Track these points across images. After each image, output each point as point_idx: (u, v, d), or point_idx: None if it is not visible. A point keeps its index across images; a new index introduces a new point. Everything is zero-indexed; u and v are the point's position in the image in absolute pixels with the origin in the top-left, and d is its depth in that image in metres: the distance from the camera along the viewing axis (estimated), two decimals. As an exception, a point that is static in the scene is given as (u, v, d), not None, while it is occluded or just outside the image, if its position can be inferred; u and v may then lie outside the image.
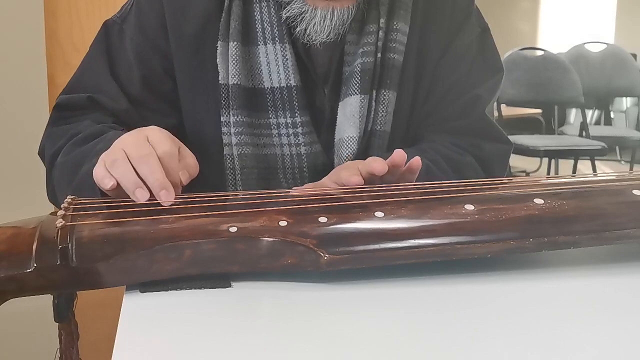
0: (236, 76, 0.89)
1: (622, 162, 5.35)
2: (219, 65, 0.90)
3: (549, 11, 6.56)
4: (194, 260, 0.63)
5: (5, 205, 1.49)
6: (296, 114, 0.90)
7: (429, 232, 0.66)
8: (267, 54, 0.90)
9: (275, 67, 0.90)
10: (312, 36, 0.88)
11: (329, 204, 0.68)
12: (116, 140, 0.74)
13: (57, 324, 0.66)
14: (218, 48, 0.90)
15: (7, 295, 0.61)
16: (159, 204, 0.68)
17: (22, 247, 0.62)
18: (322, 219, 0.66)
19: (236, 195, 0.80)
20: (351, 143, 0.90)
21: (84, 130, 0.87)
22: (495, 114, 3.61)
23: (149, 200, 0.69)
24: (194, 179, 0.75)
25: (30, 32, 1.54)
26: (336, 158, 0.91)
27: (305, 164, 0.91)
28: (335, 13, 0.87)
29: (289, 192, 0.74)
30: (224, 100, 0.90)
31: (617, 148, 5.31)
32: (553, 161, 3.85)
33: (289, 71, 0.90)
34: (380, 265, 0.65)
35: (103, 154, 0.73)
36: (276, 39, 0.90)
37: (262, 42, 0.91)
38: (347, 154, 0.90)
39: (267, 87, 0.91)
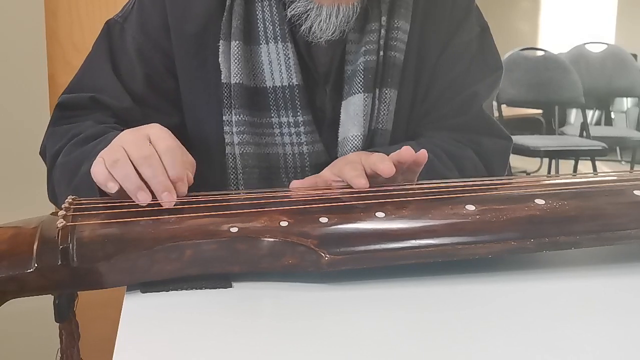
0: (238, 75, 0.89)
1: (623, 163, 5.35)
2: (221, 65, 0.90)
3: (549, 11, 6.56)
4: (194, 260, 0.63)
5: (5, 205, 1.49)
6: (298, 113, 0.91)
7: (430, 232, 0.66)
8: (269, 53, 0.90)
9: (277, 66, 0.90)
10: (317, 34, 0.88)
11: (329, 205, 0.68)
12: (116, 138, 0.74)
13: (58, 324, 0.66)
14: (220, 47, 0.90)
15: (7, 296, 0.61)
16: (159, 204, 0.68)
17: (22, 247, 0.62)
18: (323, 219, 0.66)
19: (237, 195, 0.80)
20: (356, 142, 0.90)
21: (85, 131, 0.87)
22: (496, 114, 3.61)
23: (150, 201, 0.69)
24: (195, 179, 0.75)
25: (31, 32, 1.54)
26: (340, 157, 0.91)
27: (307, 163, 0.91)
28: (341, 10, 0.87)
29: (289, 191, 0.74)
30: (225, 100, 0.90)
31: (618, 148, 5.31)
32: (553, 161, 3.85)
33: (290, 70, 0.90)
34: (381, 265, 0.65)
35: (102, 152, 0.73)
36: (278, 38, 0.90)
37: (264, 41, 0.91)
38: (351, 152, 0.90)
39: (269, 86, 0.91)
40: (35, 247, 0.61)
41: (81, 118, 0.91)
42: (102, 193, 0.74)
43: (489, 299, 0.63)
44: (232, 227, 0.64)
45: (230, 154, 0.91)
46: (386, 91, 0.92)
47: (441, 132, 0.96)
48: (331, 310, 0.60)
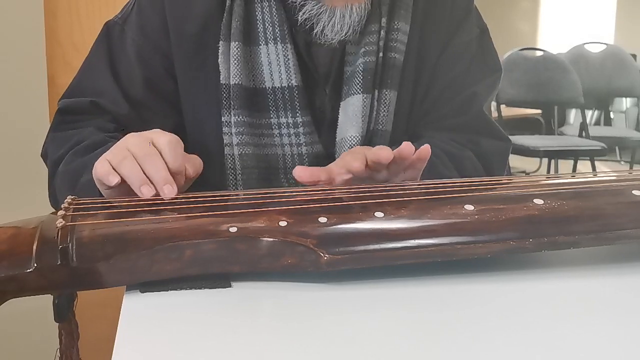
0: (237, 76, 0.89)
1: (622, 163, 5.35)
2: (220, 65, 0.90)
3: (548, 11, 6.56)
4: (194, 260, 0.63)
5: (5, 205, 1.49)
6: (297, 114, 0.91)
7: (429, 232, 0.66)
8: (268, 54, 0.91)
9: (277, 67, 0.90)
10: (329, 36, 0.88)
11: (329, 204, 0.68)
12: (120, 141, 0.75)
13: (57, 324, 0.66)
14: (220, 48, 0.90)
15: (7, 295, 0.61)
16: (159, 204, 0.68)
17: (22, 247, 0.62)
18: (322, 219, 0.66)
19: (236, 195, 0.80)
20: (354, 142, 0.90)
21: (86, 139, 0.87)
22: (495, 114, 3.61)
23: (150, 199, 0.69)
24: (196, 179, 0.76)
25: (31, 33, 1.54)
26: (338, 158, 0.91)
27: (307, 163, 0.91)
28: (354, 10, 0.88)
29: (288, 191, 0.74)
30: (225, 100, 0.90)
31: (617, 148, 5.31)
32: (553, 161, 3.85)
33: (290, 71, 0.90)
34: (380, 265, 0.65)
35: (106, 154, 0.74)
36: (278, 38, 0.90)
37: (263, 42, 0.91)
38: None
39: (269, 87, 0.91)
40: (34, 247, 0.61)
41: (82, 123, 0.91)
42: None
43: (488, 298, 0.63)
44: (232, 227, 0.64)
45: (230, 154, 0.91)
46: (386, 92, 0.92)
47: (441, 133, 0.96)
48: (330, 310, 0.60)
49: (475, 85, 0.99)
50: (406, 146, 0.75)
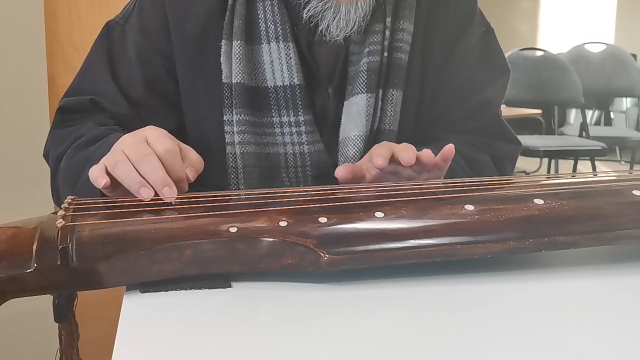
0: (239, 75, 0.89)
1: (622, 163, 5.35)
2: (222, 64, 0.90)
3: (549, 11, 6.56)
4: (194, 260, 0.63)
5: (5, 205, 1.49)
6: (299, 113, 0.91)
7: (429, 232, 0.66)
8: (270, 53, 0.91)
9: (279, 66, 0.90)
10: (334, 32, 0.88)
11: (329, 204, 0.68)
12: (115, 143, 0.75)
13: (57, 324, 0.66)
14: (222, 47, 0.90)
15: (7, 296, 0.61)
16: (159, 204, 0.68)
17: (22, 247, 0.62)
18: (322, 219, 0.66)
19: (236, 195, 0.80)
20: (357, 142, 0.91)
21: (86, 133, 0.87)
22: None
23: (151, 199, 0.69)
24: (197, 177, 0.76)
25: (31, 33, 1.54)
26: (341, 157, 0.92)
27: (308, 162, 0.92)
28: (360, 5, 0.88)
29: (289, 191, 0.74)
30: (226, 99, 0.90)
31: (617, 148, 5.31)
32: (553, 161, 3.85)
33: (292, 70, 0.90)
34: (380, 265, 0.65)
35: (104, 157, 0.74)
36: (279, 37, 0.90)
37: (265, 41, 0.91)
38: (353, 152, 0.90)
39: (270, 86, 0.91)
40: (34, 247, 0.61)
41: (82, 121, 0.91)
42: (105, 197, 0.74)
43: (488, 298, 0.63)
44: (232, 227, 0.64)
45: (231, 153, 0.91)
46: (392, 92, 0.93)
47: (457, 135, 0.97)
48: (330, 310, 0.60)
49: (486, 90, 1.00)
50: (426, 154, 0.77)
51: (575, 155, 3.97)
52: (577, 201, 0.70)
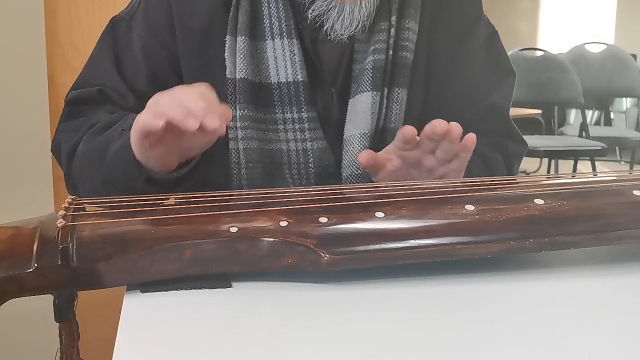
0: (243, 71, 0.90)
1: (622, 163, 5.35)
2: (226, 60, 0.90)
3: (548, 12, 6.56)
4: (194, 260, 0.63)
5: (5, 205, 1.49)
6: (303, 110, 0.91)
7: (429, 232, 0.66)
8: (274, 49, 0.91)
9: (283, 62, 0.91)
10: (339, 32, 0.89)
11: (329, 204, 0.68)
12: (150, 99, 0.74)
13: (58, 324, 0.66)
14: (227, 42, 0.91)
15: (7, 296, 0.61)
16: (160, 204, 0.68)
17: (22, 247, 0.62)
18: (323, 219, 0.66)
19: (237, 195, 0.80)
20: (363, 139, 0.91)
21: (101, 119, 0.88)
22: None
23: (151, 197, 0.69)
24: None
25: (31, 33, 1.54)
26: (346, 154, 0.92)
27: (311, 159, 0.92)
28: (364, 4, 0.88)
29: (289, 191, 0.74)
30: (230, 95, 0.91)
31: (617, 148, 5.31)
32: (553, 161, 3.85)
33: (296, 66, 0.90)
34: (381, 265, 0.65)
35: (143, 111, 0.74)
36: (284, 34, 0.91)
37: (269, 37, 0.91)
38: (358, 150, 0.91)
39: (274, 82, 0.91)
40: (35, 247, 0.61)
41: (91, 111, 0.92)
42: (139, 168, 0.75)
43: (488, 299, 0.63)
44: (232, 227, 0.64)
45: (234, 149, 0.91)
46: (398, 91, 0.93)
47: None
48: (331, 310, 0.60)
49: (493, 93, 1.00)
50: (456, 125, 0.77)
51: (575, 155, 3.96)
52: (577, 201, 0.70)
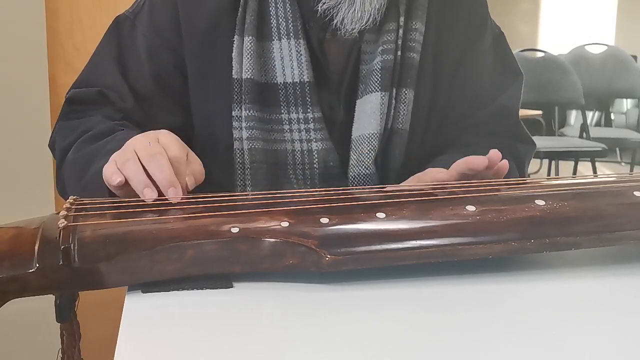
0: (250, 71, 0.90)
1: (623, 164, 5.35)
2: (233, 60, 0.90)
3: (549, 13, 6.56)
4: (195, 260, 0.63)
5: (6, 205, 1.49)
6: (308, 110, 0.91)
7: (431, 233, 0.66)
8: (281, 49, 0.91)
9: (289, 63, 0.91)
10: (349, 26, 0.89)
11: (330, 205, 0.68)
12: (128, 141, 0.75)
13: (59, 324, 0.66)
14: (234, 42, 0.91)
15: (9, 296, 0.61)
16: (161, 204, 0.68)
17: (24, 247, 0.62)
18: (324, 220, 0.66)
19: (238, 196, 0.80)
20: (372, 140, 0.91)
21: (94, 127, 0.88)
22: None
23: (154, 200, 0.69)
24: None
25: (32, 33, 1.54)
26: (354, 155, 0.92)
27: (316, 160, 0.92)
28: None
29: (290, 192, 0.74)
30: (236, 95, 0.91)
31: (618, 149, 5.31)
32: (553, 162, 3.85)
33: (302, 67, 0.90)
34: (382, 266, 0.65)
35: (114, 154, 0.75)
36: (291, 34, 0.91)
37: (276, 37, 0.91)
38: (367, 150, 0.91)
39: (280, 83, 0.91)
40: (36, 247, 0.61)
41: (90, 112, 0.92)
42: (112, 193, 0.75)
43: (489, 299, 0.63)
44: (233, 227, 0.64)
45: (239, 149, 0.91)
46: (405, 91, 0.93)
47: (479, 138, 0.97)
48: (332, 310, 0.60)
49: (503, 95, 1.01)
50: (494, 153, 0.78)
51: (575, 156, 3.97)
52: (578, 202, 0.70)
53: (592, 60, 4.31)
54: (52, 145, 0.95)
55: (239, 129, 0.91)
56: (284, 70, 0.91)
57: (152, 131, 0.77)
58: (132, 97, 0.93)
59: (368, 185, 0.91)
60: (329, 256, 0.64)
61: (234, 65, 0.90)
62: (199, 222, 0.65)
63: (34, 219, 0.68)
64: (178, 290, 0.63)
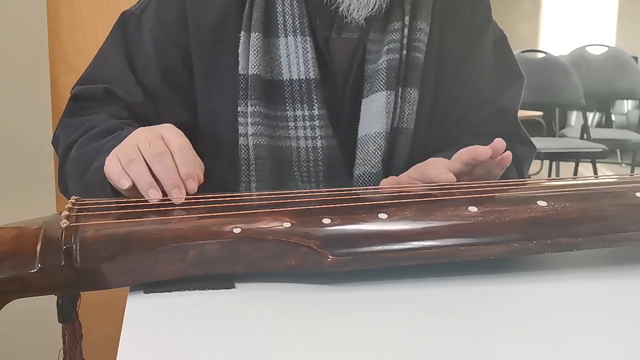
0: (256, 67, 0.90)
1: (623, 165, 5.35)
2: (240, 56, 0.91)
3: (550, 14, 6.56)
4: (198, 261, 0.63)
5: (8, 205, 1.49)
6: (314, 107, 0.91)
7: (433, 233, 0.66)
8: (287, 46, 0.91)
9: (295, 60, 0.91)
10: (355, 13, 0.88)
11: (332, 206, 0.68)
12: (129, 136, 0.75)
13: (61, 324, 0.66)
14: (241, 38, 0.91)
15: (11, 296, 0.61)
16: (162, 205, 0.68)
17: (26, 247, 0.62)
18: (326, 220, 0.66)
19: (240, 196, 0.80)
20: (378, 139, 0.91)
21: (99, 125, 0.87)
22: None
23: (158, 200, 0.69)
24: (206, 173, 0.76)
25: (33, 34, 1.54)
26: (360, 153, 0.92)
27: (320, 157, 0.92)
28: None
29: (292, 193, 0.74)
30: (242, 91, 0.91)
31: (618, 151, 5.31)
32: (554, 164, 3.85)
33: (308, 64, 0.90)
34: (384, 266, 0.65)
35: (115, 149, 0.74)
36: (297, 31, 0.91)
37: (283, 34, 0.92)
38: (373, 149, 0.91)
39: (286, 79, 0.91)
40: (38, 247, 0.61)
41: (95, 110, 0.92)
42: (113, 190, 0.75)
43: (491, 300, 0.63)
44: (235, 227, 0.64)
45: (244, 145, 0.91)
46: (410, 91, 0.93)
47: (479, 139, 0.97)
48: (334, 311, 0.60)
49: (503, 96, 1.01)
50: (498, 142, 0.77)
51: (576, 157, 3.97)
52: (580, 203, 0.70)
53: (593, 61, 4.31)
54: (55, 142, 0.95)
55: (244, 124, 0.91)
56: (289, 67, 0.91)
57: (155, 126, 0.76)
58: (141, 91, 0.93)
59: (372, 184, 0.91)
60: (330, 257, 0.64)
61: (240, 61, 0.90)
62: (201, 222, 0.65)
63: (35, 219, 0.68)
64: (180, 290, 0.63)
